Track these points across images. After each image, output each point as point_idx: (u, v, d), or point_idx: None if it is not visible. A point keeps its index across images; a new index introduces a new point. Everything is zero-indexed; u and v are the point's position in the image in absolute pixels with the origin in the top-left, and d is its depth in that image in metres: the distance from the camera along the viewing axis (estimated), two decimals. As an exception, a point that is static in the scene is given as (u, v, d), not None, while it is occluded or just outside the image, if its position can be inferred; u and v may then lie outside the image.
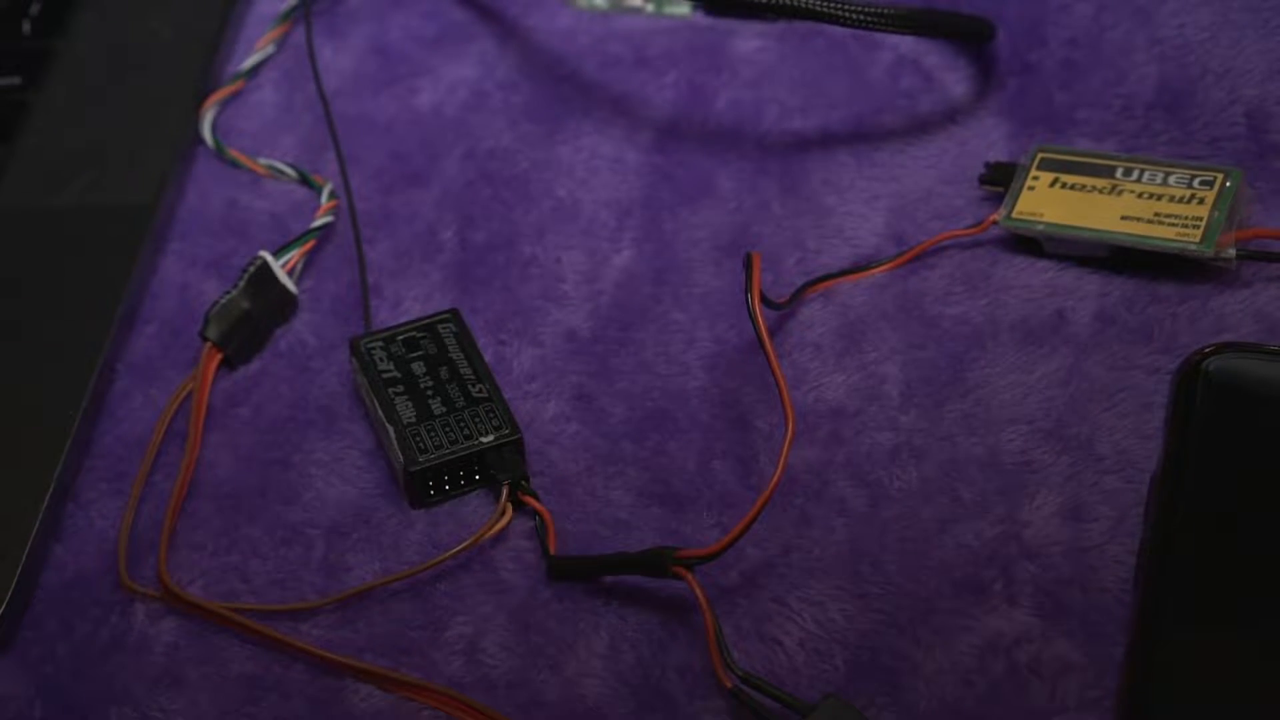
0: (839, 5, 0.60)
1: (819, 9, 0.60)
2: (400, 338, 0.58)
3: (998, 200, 0.60)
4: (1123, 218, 0.58)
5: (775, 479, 0.51)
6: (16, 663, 0.53)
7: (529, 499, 0.55)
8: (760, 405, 0.57)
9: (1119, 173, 0.59)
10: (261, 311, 0.60)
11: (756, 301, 0.55)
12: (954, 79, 0.65)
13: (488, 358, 0.58)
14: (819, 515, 0.54)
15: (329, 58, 0.68)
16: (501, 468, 0.55)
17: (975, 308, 0.58)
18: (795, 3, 0.60)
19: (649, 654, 0.52)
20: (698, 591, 0.50)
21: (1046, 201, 0.59)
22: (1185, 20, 0.64)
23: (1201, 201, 0.58)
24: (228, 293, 0.59)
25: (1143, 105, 0.62)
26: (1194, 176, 0.58)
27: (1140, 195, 0.58)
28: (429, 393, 0.56)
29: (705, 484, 0.55)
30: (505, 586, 0.53)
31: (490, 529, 0.54)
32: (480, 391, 0.56)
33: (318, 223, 0.62)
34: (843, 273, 0.59)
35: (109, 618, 0.54)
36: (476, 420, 0.55)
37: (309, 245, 0.62)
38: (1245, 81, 0.62)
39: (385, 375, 0.57)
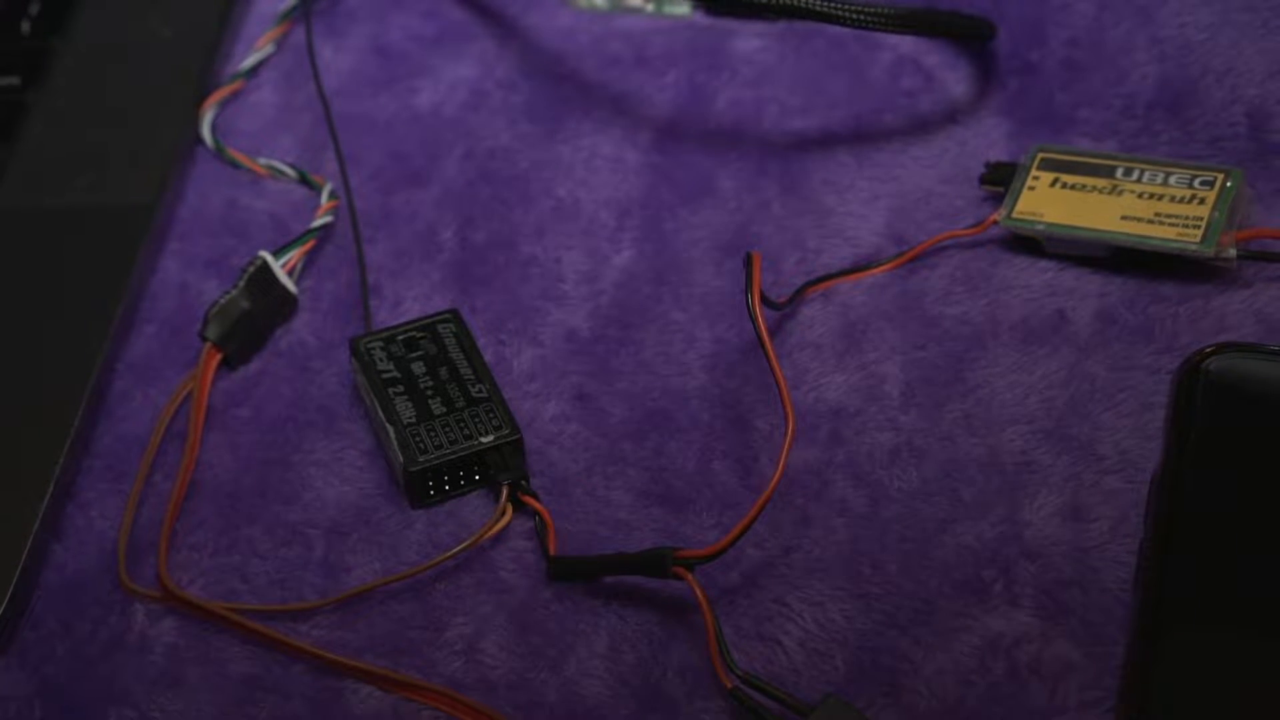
0: (839, 5, 0.60)
1: (819, 9, 0.60)
2: (400, 338, 0.58)
3: (998, 200, 0.60)
4: (1123, 218, 0.58)
5: (775, 479, 0.51)
6: (16, 663, 0.53)
7: (529, 499, 0.55)
8: (760, 405, 0.57)
9: (1119, 173, 0.59)
10: (261, 311, 0.60)
11: (756, 301, 0.55)
12: (954, 79, 0.65)
13: (488, 358, 0.58)
14: (819, 515, 0.54)
15: (329, 58, 0.68)
16: (501, 468, 0.55)
17: (975, 308, 0.58)
18: (795, 3, 0.60)
19: (649, 654, 0.52)
20: (698, 592, 0.50)
21: (1047, 201, 0.59)
22: (1186, 20, 0.64)
23: (1202, 201, 0.58)
24: (228, 293, 0.59)
25: (1143, 105, 0.62)
26: (1194, 176, 0.58)
27: (1141, 195, 0.58)
28: (429, 393, 0.56)
29: (705, 484, 0.55)
30: (505, 586, 0.53)
31: (490, 529, 0.54)
32: (480, 391, 0.56)
33: (318, 223, 0.62)
34: (843, 273, 0.59)
35: (109, 618, 0.54)
36: (476, 420, 0.55)
37: (309, 245, 0.62)
38: (1245, 81, 0.62)
39: (385, 375, 0.57)
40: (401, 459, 0.55)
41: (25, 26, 0.69)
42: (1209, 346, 0.53)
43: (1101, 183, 0.59)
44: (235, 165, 0.65)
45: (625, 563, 0.52)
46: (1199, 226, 0.57)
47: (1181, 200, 0.58)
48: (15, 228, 0.63)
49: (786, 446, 0.52)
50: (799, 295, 0.58)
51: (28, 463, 0.56)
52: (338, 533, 0.55)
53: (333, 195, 0.63)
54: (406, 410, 0.56)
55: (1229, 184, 0.58)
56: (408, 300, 0.61)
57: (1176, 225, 0.57)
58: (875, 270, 0.59)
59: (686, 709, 0.50)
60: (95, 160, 0.64)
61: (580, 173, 0.63)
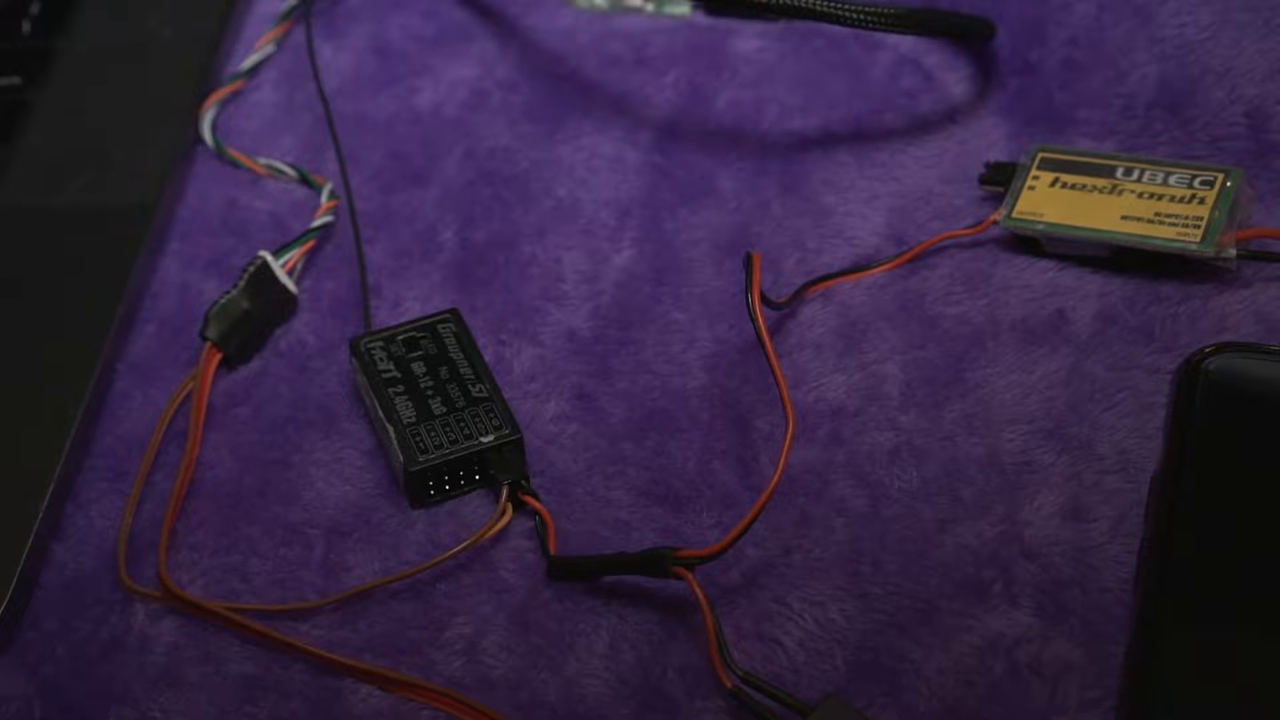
0: (839, 5, 0.60)
1: (819, 9, 0.60)
2: (400, 338, 0.58)
3: (998, 200, 0.60)
4: (1123, 217, 0.58)
5: (775, 479, 0.51)
6: (16, 663, 0.53)
7: (529, 499, 0.55)
8: (760, 405, 0.57)
9: (1119, 172, 0.59)
10: (261, 311, 0.60)
11: (756, 301, 0.55)
12: (954, 79, 0.65)
13: (488, 358, 0.58)
14: (819, 515, 0.54)
15: (329, 57, 0.68)
16: (501, 468, 0.55)
17: (975, 308, 0.58)
18: (795, 3, 0.60)
19: (649, 654, 0.52)
20: (698, 591, 0.50)
21: (1047, 201, 0.59)
22: (1186, 20, 0.64)
23: (1202, 201, 0.58)
24: (228, 293, 0.59)
25: (1143, 105, 0.62)
26: (1194, 176, 0.58)
27: (1141, 195, 0.58)
28: (429, 393, 0.56)
29: (705, 484, 0.55)
30: (505, 586, 0.53)
31: (490, 529, 0.54)
32: (480, 391, 0.56)
33: (318, 222, 0.62)
34: (843, 273, 0.59)
35: (109, 618, 0.54)
36: (476, 420, 0.55)
37: (309, 245, 0.62)
38: (1245, 81, 0.62)
39: (385, 375, 0.57)
40: (402, 459, 0.55)
41: (25, 26, 0.69)
42: (1209, 346, 0.53)
43: (1101, 182, 0.59)
44: (235, 165, 0.65)
45: (625, 563, 0.52)
46: (1199, 226, 0.57)
47: (1181, 200, 0.58)
48: (15, 228, 0.63)
49: (786, 446, 0.52)
50: (799, 295, 0.58)
51: (28, 463, 0.56)
52: (338, 533, 0.55)
53: (333, 195, 0.63)
54: (407, 410, 0.56)
55: (1229, 184, 0.58)
56: (408, 300, 0.61)
57: (1176, 225, 0.57)
58: (875, 270, 0.59)
59: (686, 709, 0.50)
60: (95, 160, 0.64)
61: (580, 173, 0.64)
